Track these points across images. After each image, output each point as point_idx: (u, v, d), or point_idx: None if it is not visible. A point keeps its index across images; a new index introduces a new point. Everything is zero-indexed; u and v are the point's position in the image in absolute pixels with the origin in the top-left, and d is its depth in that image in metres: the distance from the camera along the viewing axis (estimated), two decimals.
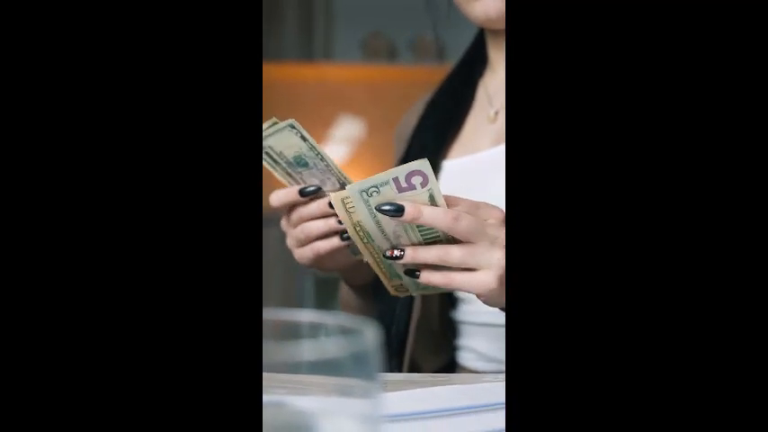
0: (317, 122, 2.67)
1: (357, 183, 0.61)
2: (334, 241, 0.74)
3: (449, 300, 0.90)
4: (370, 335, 0.33)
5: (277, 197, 0.75)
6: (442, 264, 0.64)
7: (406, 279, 0.70)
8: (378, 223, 0.64)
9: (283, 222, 0.77)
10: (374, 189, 0.61)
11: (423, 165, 0.60)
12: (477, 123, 0.95)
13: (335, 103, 2.70)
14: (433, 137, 0.95)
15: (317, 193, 0.74)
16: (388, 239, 0.65)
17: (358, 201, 0.62)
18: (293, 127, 0.71)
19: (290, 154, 0.73)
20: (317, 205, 0.73)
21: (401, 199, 0.62)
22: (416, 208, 0.61)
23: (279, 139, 0.72)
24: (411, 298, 0.88)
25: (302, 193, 0.74)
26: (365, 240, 0.66)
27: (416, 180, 0.61)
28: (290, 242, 0.77)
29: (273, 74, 2.56)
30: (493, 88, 0.95)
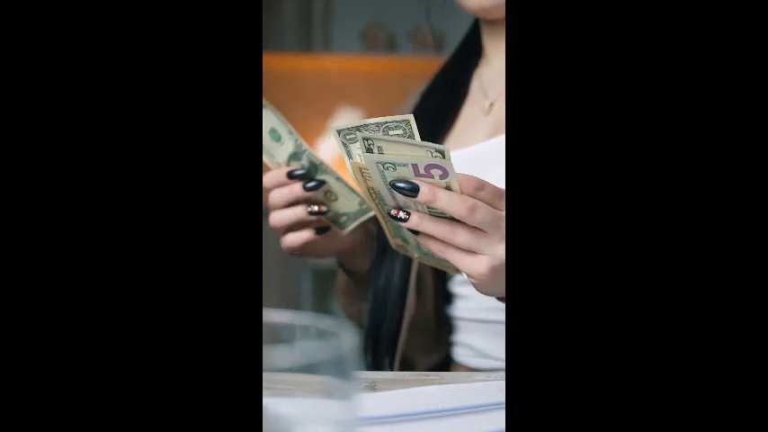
0: (316, 113, 2.66)
1: (376, 155, 0.59)
2: (304, 235, 0.73)
3: (444, 295, 0.90)
4: (347, 337, 0.33)
5: (267, 178, 0.73)
6: (446, 241, 0.62)
7: (412, 243, 0.69)
8: (391, 190, 0.62)
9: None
10: (391, 165, 0.59)
11: (445, 162, 0.59)
12: (471, 115, 0.94)
13: (335, 94, 2.70)
14: (428, 128, 0.94)
15: (304, 177, 0.72)
16: (397, 204, 0.64)
17: (374, 171, 0.61)
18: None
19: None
20: (273, 176, 0.71)
21: (417, 180, 0.60)
22: (432, 191, 0.59)
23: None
24: (404, 296, 0.88)
25: (290, 175, 0.72)
26: (377, 202, 0.66)
27: (435, 172, 0.59)
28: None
29: (272, 65, 2.55)
30: (488, 79, 0.94)
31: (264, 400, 0.35)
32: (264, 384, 0.34)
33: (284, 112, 0.71)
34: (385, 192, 0.63)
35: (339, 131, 0.63)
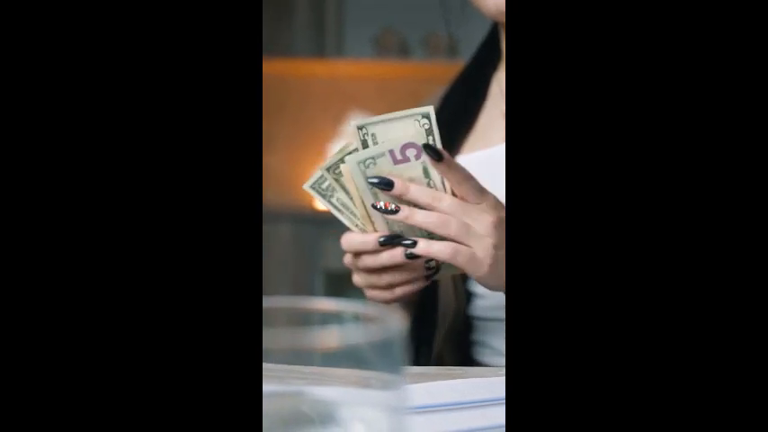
0: (328, 118, 2.67)
1: (354, 154, 0.65)
2: (420, 284, 0.73)
3: (464, 295, 0.91)
4: (394, 324, 0.33)
5: (349, 244, 0.71)
6: (441, 233, 0.67)
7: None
8: (375, 196, 0.66)
9: (348, 260, 0.74)
10: (371, 161, 0.65)
11: (415, 137, 0.64)
12: (490, 118, 0.95)
13: (347, 100, 2.70)
14: (446, 132, 0.95)
15: (393, 242, 0.70)
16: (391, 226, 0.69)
17: (356, 172, 0.65)
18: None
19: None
20: (392, 256, 0.70)
21: (397, 171, 0.65)
22: (404, 184, 0.66)
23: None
24: (435, 294, 0.89)
25: (383, 243, 0.70)
26: (369, 212, 0.69)
27: (410, 153, 0.65)
28: (359, 281, 0.74)
29: (285, 70, 2.57)
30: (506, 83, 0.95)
31: (303, 387, 0.36)
32: (300, 375, 0.35)
33: (297, 116, 0.73)
34: (369, 197, 0.66)
35: (328, 169, 0.67)
